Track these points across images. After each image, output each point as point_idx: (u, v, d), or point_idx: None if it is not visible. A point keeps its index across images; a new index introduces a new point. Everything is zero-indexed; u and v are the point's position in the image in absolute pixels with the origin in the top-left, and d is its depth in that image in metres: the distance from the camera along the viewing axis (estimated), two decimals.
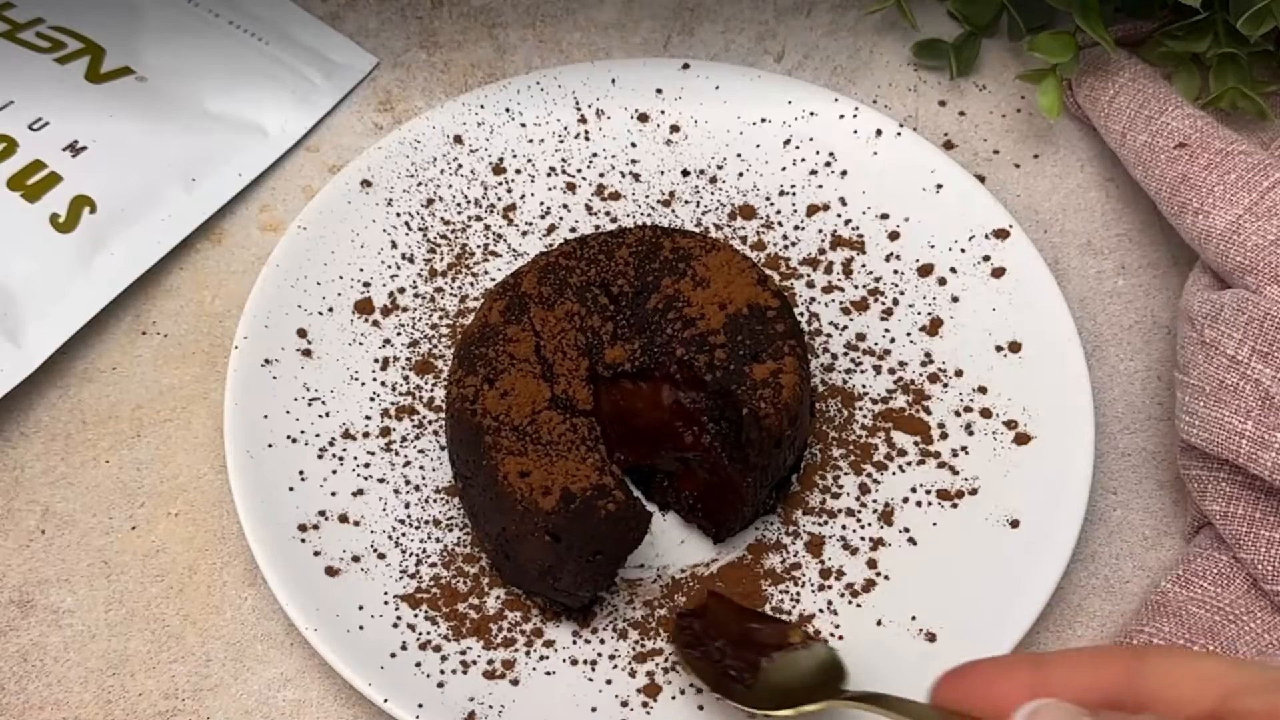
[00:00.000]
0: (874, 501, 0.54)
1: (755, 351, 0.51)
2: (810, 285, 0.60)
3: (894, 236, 0.61)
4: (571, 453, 0.49)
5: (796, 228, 0.62)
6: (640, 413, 0.53)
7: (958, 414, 0.56)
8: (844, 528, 0.53)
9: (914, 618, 0.51)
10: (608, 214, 0.62)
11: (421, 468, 0.55)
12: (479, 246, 0.61)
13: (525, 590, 0.51)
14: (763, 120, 0.64)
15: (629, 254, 0.55)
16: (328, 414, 0.55)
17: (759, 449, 0.50)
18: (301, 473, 0.53)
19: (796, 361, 0.52)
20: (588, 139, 0.64)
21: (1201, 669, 0.37)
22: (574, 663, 0.50)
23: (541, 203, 0.62)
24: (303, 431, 0.55)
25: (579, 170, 0.63)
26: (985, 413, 0.56)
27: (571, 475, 0.48)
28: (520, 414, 0.50)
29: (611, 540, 0.48)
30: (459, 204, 0.62)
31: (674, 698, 0.49)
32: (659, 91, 0.64)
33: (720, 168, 0.63)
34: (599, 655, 0.50)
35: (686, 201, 0.62)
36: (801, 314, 0.59)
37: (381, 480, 0.54)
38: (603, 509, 0.47)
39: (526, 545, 0.49)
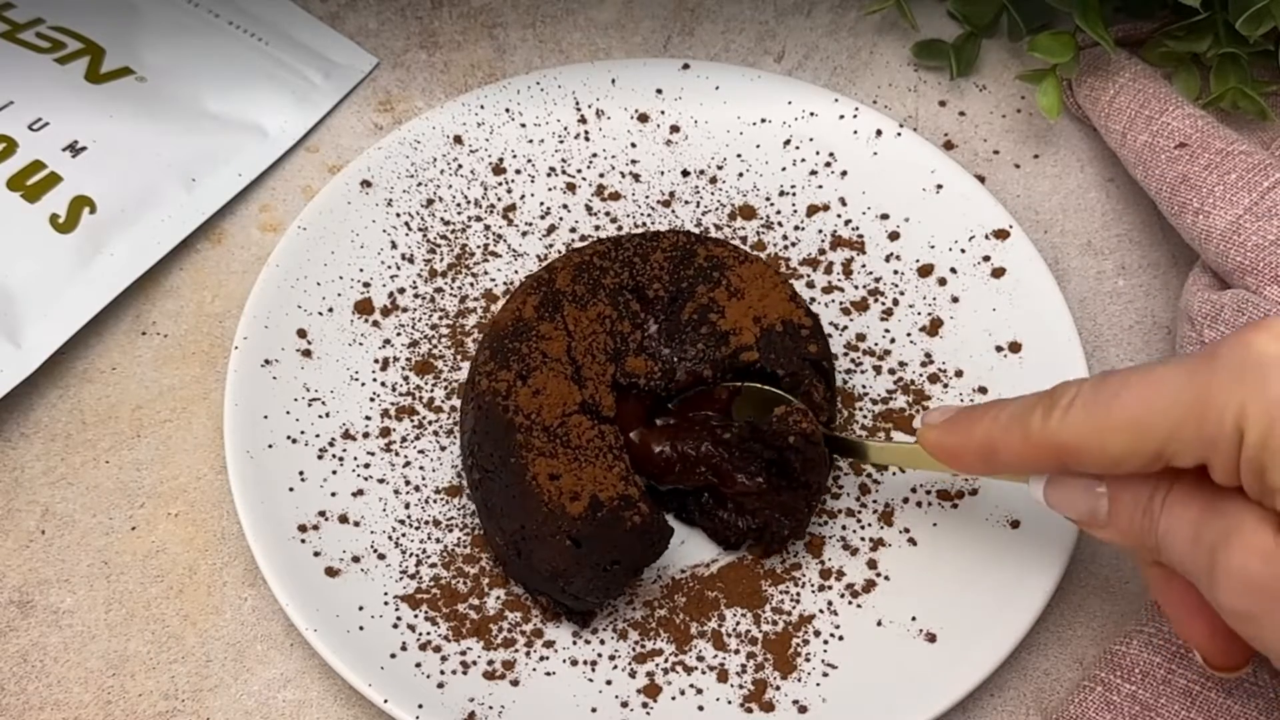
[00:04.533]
0: (874, 502, 0.54)
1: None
2: (810, 285, 0.60)
3: (894, 237, 0.61)
4: (599, 460, 0.49)
5: (796, 228, 0.62)
6: (654, 462, 0.53)
7: None
8: (844, 528, 0.53)
9: (914, 618, 0.51)
10: (608, 214, 0.62)
11: (421, 468, 0.55)
12: (479, 247, 0.61)
13: (530, 589, 0.51)
14: (763, 120, 0.64)
15: (664, 258, 0.55)
16: (328, 414, 0.55)
17: (817, 466, 0.50)
18: (301, 473, 0.53)
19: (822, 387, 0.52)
20: (588, 139, 0.64)
21: (1121, 430, 0.38)
22: (574, 663, 0.50)
23: (541, 203, 0.62)
24: (303, 432, 0.55)
25: (579, 170, 0.63)
26: None
27: (600, 483, 0.48)
28: (551, 415, 0.50)
29: (632, 552, 0.48)
30: (459, 204, 0.62)
31: (674, 698, 0.49)
32: (659, 91, 0.64)
33: (720, 168, 0.63)
34: (599, 656, 0.50)
35: (686, 202, 0.62)
36: None
37: (381, 481, 0.54)
38: (629, 520, 0.47)
39: (544, 547, 0.49)
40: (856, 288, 0.60)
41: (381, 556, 0.52)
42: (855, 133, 0.63)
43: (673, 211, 0.62)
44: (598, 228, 0.62)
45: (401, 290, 0.59)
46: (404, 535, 0.53)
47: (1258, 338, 0.36)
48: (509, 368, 0.52)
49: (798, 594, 0.52)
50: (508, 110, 0.64)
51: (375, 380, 0.57)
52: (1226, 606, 0.37)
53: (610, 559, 0.48)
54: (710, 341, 0.53)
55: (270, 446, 0.54)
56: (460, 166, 0.63)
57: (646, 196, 0.63)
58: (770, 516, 0.51)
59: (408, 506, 0.54)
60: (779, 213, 0.62)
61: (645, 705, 0.49)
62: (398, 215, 0.61)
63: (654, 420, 0.53)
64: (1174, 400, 0.36)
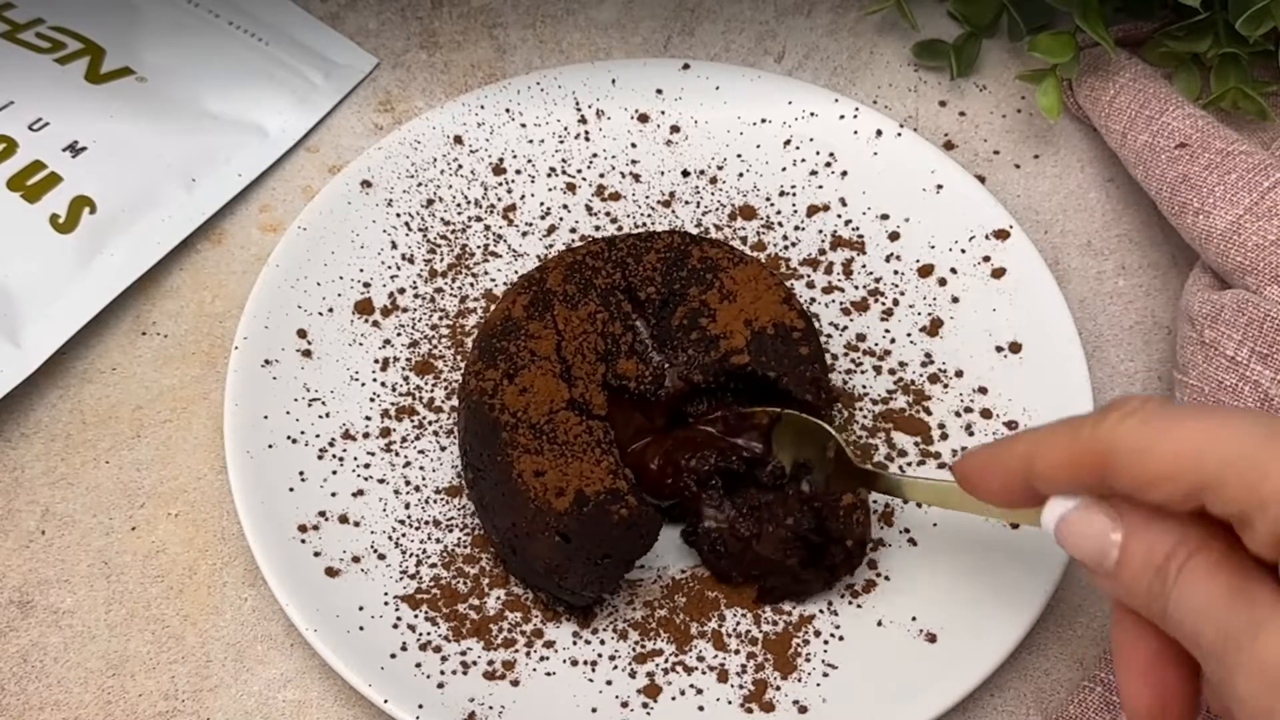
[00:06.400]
0: (874, 502, 0.54)
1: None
2: (810, 286, 0.60)
3: (894, 237, 0.61)
4: (586, 455, 0.49)
5: (797, 228, 0.62)
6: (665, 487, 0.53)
7: (958, 414, 0.56)
8: None
9: (914, 618, 0.51)
10: (608, 214, 0.62)
11: (421, 468, 0.55)
12: (479, 247, 0.61)
13: (529, 585, 0.51)
14: (763, 120, 0.64)
15: (657, 259, 0.55)
16: (328, 414, 0.55)
17: (852, 567, 0.50)
18: (301, 473, 0.53)
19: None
20: (588, 139, 0.64)
21: (1173, 449, 0.36)
22: (574, 663, 0.50)
23: (541, 203, 0.62)
24: (303, 432, 0.55)
25: (579, 170, 0.63)
26: (985, 413, 0.56)
27: (586, 477, 0.48)
28: (538, 412, 0.50)
29: (622, 545, 0.48)
30: (459, 204, 0.62)
31: (674, 698, 0.49)
32: (659, 92, 0.64)
33: (720, 168, 0.63)
34: (599, 656, 0.50)
35: (686, 202, 0.62)
36: None
37: (381, 481, 0.54)
38: (616, 513, 0.47)
39: (535, 543, 0.49)
40: (856, 288, 0.60)
41: (381, 556, 0.52)
42: (855, 133, 0.63)
43: (673, 212, 0.62)
44: (598, 228, 0.62)
45: (401, 290, 0.59)
46: (404, 535, 0.53)
47: None
48: (496, 366, 0.52)
49: None
50: (508, 110, 0.64)
51: (375, 380, 0.57)
52: (1244, 695, 0.35)
53: (600, 552, 0.48)
54: (700, 346, 0.53)
55: (270, 446, 0.54)
56: (460, 166, 0.63)
57: (646, 197, 0.63)
58: (779, 581, 0.51)
59: (408, 507, 0.54)
60: (779, 213, 0.62)
61: (645, 705, 0.49)
62: (398, 215, 0.61)
63: (684, 421, 0.53)
64: (1240, 449, 0.34)
